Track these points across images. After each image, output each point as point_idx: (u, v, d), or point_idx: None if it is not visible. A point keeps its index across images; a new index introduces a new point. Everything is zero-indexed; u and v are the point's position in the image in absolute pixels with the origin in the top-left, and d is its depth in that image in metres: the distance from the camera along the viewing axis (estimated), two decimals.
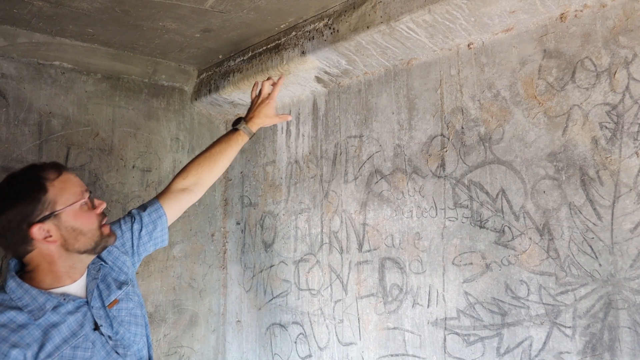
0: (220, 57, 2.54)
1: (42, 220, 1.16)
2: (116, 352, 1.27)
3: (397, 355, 1.90)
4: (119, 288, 1.37)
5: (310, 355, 2.30)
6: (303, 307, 2.36)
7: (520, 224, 1.56)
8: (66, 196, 1.20)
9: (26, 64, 2.22)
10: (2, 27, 2.10)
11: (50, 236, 1.18)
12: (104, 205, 1.29)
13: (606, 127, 1.39)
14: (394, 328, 1.92)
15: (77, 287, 1.27)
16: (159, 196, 1.62)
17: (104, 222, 1.29)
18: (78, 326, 1.22)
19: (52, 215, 1.17)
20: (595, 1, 1.41)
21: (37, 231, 1.16)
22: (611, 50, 1.39)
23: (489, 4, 1.49)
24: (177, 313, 2.72)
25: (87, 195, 1.25)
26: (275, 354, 2.52)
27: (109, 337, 1.27)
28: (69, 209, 1.19)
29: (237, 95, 2.52)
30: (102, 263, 1.39)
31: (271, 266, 2.58)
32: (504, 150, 1.62)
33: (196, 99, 2.75)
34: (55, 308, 1.19)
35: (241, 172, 2.87)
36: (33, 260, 1.20)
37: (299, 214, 2.42)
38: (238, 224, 2.86)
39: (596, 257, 1.39)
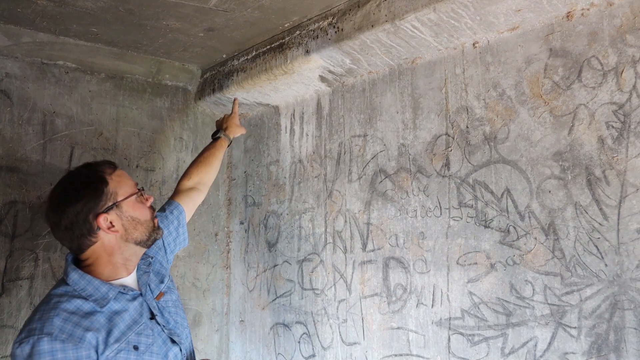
0: (224, 56, 2.54)
1: (106, 211, 1.23)
2: (172, 340, 1.34)
3: (401, 355, 1.90)
4: (162, 282, 1.45)
5: (313, 355, 2.30)
6: (307, 306, 2.35)
7: (525, 223, 1.55)
8: (124, 188, 1.28)
9: (30, 63, 2.22)
10: (6, 27, 2.10)
11: (113, 226, 1.24)
12: (152, 199, 1.37)
13: (613, 127, 1.38)
14: (398, 328, 1.91)
15: (131, 279, 1.34)
16: (172, 198, 1.75)
17: (154, 214, 1.36)
18: (138, 315, 1.28)
19: (115, 205, 1.24)
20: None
21: (102, 221, 1.22)
22: (618, 49, 1.38)
23: (494, 3, 1.48)
24: None
25: (139, 188, 1.34)
26: (278, 353, 2.52)
27: (163, 326, 1.33)
28: (128, 200, 1.27)
29: (241, 94, 2.52)
30: (151, 258, 1.47)
31: (275, 266, 2.58)
32: (509, 150, 1.61)
33: (200, 99, 2.75)
34: (117, 297, 1.25)
35: (245, 172, 2.86)
36: (94, 253, 1.26)
37: (303, 213, 2.42)
38: (242, 223, 2.85)
39: (602, 257, 1.38)
